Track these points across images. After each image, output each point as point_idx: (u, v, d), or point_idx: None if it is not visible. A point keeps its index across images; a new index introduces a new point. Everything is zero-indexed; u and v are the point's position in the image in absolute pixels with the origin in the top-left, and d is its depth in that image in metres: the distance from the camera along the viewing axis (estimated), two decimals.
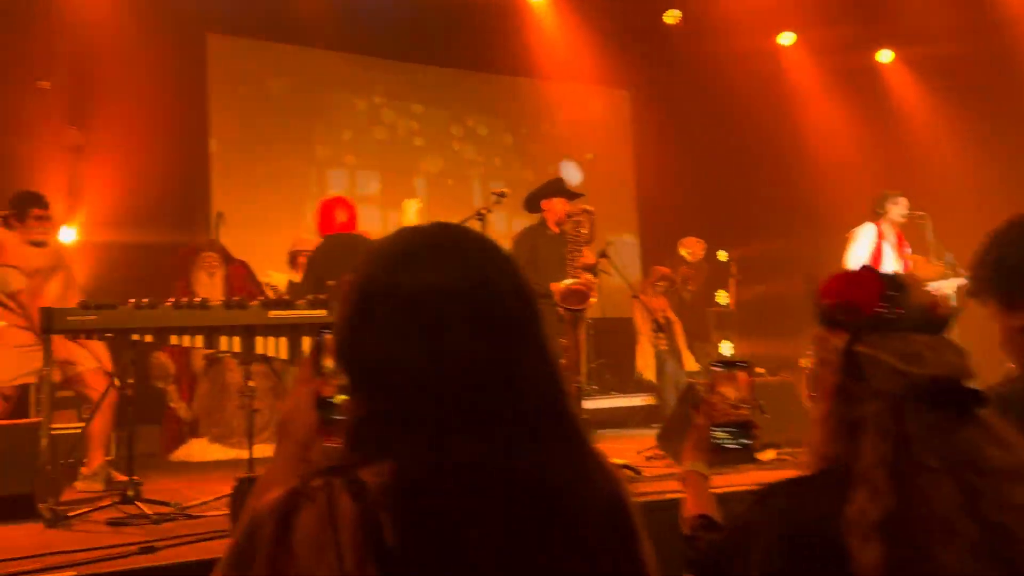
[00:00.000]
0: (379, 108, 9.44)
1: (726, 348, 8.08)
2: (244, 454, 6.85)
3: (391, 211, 9.22)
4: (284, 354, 3.84)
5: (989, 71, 8.35)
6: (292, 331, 3.85)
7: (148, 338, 3.65)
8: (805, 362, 6.07)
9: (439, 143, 9.74)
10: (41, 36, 7.11)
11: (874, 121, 9.70)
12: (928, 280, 5.90)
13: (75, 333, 3.65)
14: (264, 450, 6.92)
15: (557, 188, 5.42)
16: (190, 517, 3.33)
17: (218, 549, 2.63)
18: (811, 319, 1.32)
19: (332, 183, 9.09)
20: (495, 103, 10.05)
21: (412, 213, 5.52)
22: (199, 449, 6.64)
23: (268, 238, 7.63)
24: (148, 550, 2.55)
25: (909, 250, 6.00)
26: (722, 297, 8.26)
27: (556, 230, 5.50)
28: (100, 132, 7.32)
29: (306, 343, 3.86)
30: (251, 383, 3.84)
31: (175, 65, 7.88)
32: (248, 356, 3.77)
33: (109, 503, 3.50)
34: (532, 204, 5.35)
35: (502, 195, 4.35)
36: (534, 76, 10.01)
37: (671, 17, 9.18)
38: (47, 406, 3.42)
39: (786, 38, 9.98)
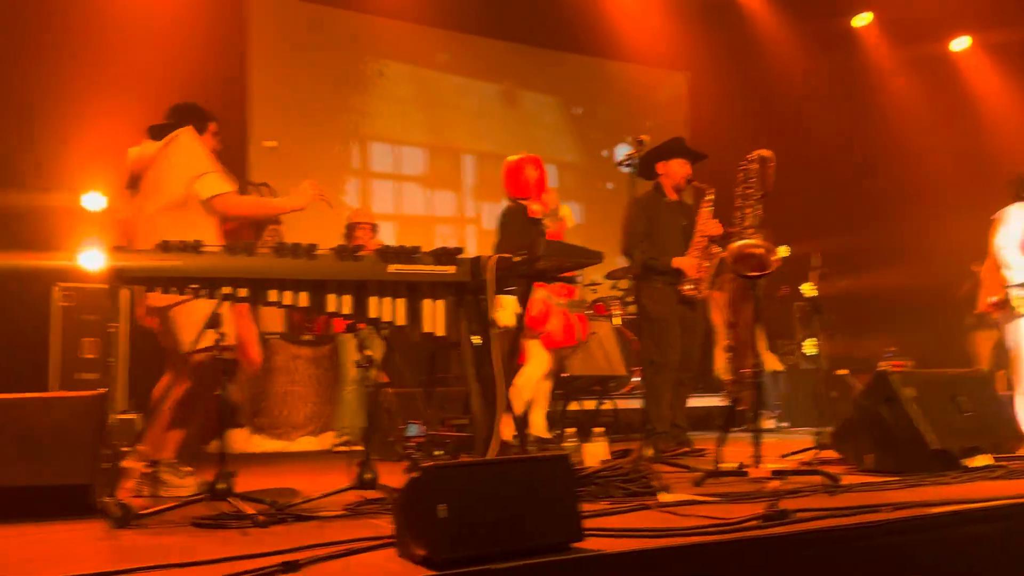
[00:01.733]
0: (428, 81, 8.73)
1: (809, 347, 7.41)
2: (292, 446, 6.21)
3: (435, 191, 8.52)
4: (401, 318, 3.13)
5: None
6: (411, 291, 3.14)
7: (242, 291, 2.92)
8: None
9: (487, 120, 9.03)
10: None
11: (952, 106, 9.09)
12: None
13: (150, 283, 2.91)
14: (308, 443, 6.32)
15: (676, 148, 4.74)
16: (302, 518, 2.59)
17: (375, 565, 1.91)
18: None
19: (376, 159, 8.37)
20: (548, 80, 9.36)
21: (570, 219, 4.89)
22: (240, 440, 5.89)
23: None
24: (291, 567, 1.82)
25: None
26: (808, 288, 7.55)
27: (675, 196, 4.81)
28: (133, 100, 6.61)
29: (427, 307, 3.15)
30: (367, 352, 3.12)
31: (215, 27, 7.18)
32: (359, 319, 3.05)
33: (194, 498, 2.77)
34: (647, 168, 4.66)
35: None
36: (590, 54, 9.35)
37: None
38: (119, 371, 2.67)
39: (861, 19, 9.34)
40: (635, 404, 6.32)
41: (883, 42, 9.28)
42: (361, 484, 2.86)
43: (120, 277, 2.85)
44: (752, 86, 9.41)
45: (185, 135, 3.48)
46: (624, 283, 7.25)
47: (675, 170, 4.70)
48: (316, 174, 7.72)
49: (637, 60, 9.57)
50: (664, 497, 2.68)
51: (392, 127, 8.45)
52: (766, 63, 9.44)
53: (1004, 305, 5.22)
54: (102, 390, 3.04)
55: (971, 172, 8.56)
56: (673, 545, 2.05)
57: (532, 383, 4.55)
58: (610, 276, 7.10)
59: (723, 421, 3.46)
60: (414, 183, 8.51)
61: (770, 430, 6.94)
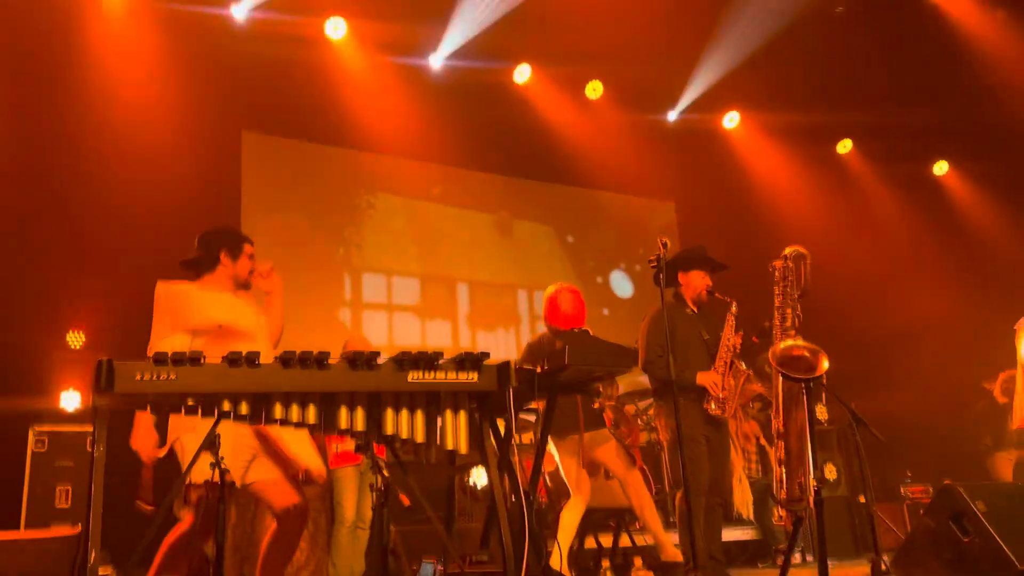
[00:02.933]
0: (421, 212, 8.69)
1: (830, 472, 7.04)
2: None
3: (429, 320, 8.31)
4: (420, 435, 2.80)
5: None
6: (430, 403, 2.83)
7: (244, 408, 2.60)
8: None
9: (482, 249, 8.95)
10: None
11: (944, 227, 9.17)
12: None
13: (143, 403, 2.59)
14: None
15: (696, 258, 4.57)
16: None
17: None
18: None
19: (368, 289, 8.19)
20: (541, 209, 9.38)
21: None
22: None
23: (299, 341, 6.61)
24: None
25: None
26: (820, 412, 7.27)
27: (694, 308, 4.60)
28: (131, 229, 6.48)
29: (448, 420, 2.83)
30: (384, 474, 2.76)
31: (209, 161, 7.15)
32: (376, 437, 2.72)
33: None
34: (668, 276, 4.47)
35: None
36: (581, 185, 9.43)
37: None
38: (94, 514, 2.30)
39: (843, 147, 9.55)
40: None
41: (867, 166, 9.45)
42: None
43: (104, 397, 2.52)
44: (738, 210, 9.47)
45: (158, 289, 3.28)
46: (631, 408, 6.93)
47: (695, 281, 4.51)
48: (308, 304, 7.56)
49: (627, 190, 9.66)
50: None
51: (385, 257, 8.32)
52: (750, 186, 9.55)
53: None
54: (77, 527, 2.65)
55: (970, 289, 8.52)
56: None
57: (580, 515, 4.27)
58: (619, 401, 6.78)
59: (787, 545, 3.08)
60: (408, 312, 8.30)
61: (797, 564, 6.45)
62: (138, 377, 2.51)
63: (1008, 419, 7.15)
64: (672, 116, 9.19)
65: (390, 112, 7.75)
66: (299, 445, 3.29)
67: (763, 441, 6.70)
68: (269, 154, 7.96)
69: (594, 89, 8.60)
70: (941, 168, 9.56)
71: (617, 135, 8.81)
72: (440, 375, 2.77)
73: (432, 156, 8.52)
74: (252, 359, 2.63)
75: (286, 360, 2.65)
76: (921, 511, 4.10)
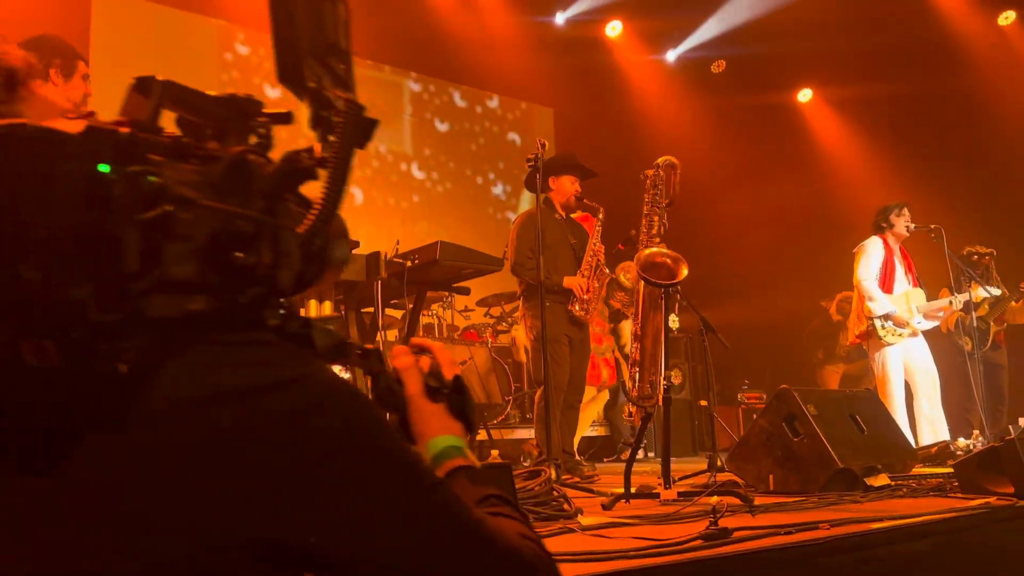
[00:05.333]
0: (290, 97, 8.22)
1: (675, 376, 7.44)
2: None
3: None
4: None
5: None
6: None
7: None
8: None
9: None
10: None
11: (798, 151, 9.63)
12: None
13: None
14: None
15: (568, 163, 4.57)
16: None
17: None
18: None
19: None
20: (415, 104, 9.12)
21: None
22: None
23: None
24: None
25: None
26: (673, 322, 7.59)
27: (563, 214, 4.64)
28: None
29: (313, 308, 2.75)
30: None
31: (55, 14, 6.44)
32: None
33: None
34: (538, 182, 4.46)
35: None
36: (457, 81, 9.21)
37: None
38: None
39: (716, 67, 9.74)
40: (511, 434, 6.06)
41: (738, 88, 9.71)
42: None
43: None
44: (615, 121, 9.55)
45: None
46: (496, 310, 7.03)
47: (566, 186, 4.53)
48: None
49: (507, 93, 9.54)
50: (586, 520, 2.41)
51: None
52: (628, 98, 9.64)
53: (870, 336, 5.41)
54: None
55: (816, 211, 9.04)
56: (623, 568, 1.78)
57: None
58: (482, 303, 6.85)
59: (634, 440, 3.24)
60: None
61: (640, 460, 6.87)
62: None
63: (841, 336, 7.76)
64: (561, 19, 9.03)
65: None
66: None
67: (618, 354, 6.96)
68: (122, 14, 7.27)
69: None
70: (805, 95, 9.96)
71: (502, 35, 8.60)
72: None
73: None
74: None
75: None
76: (755, 415, 4.41)
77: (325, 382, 0.70)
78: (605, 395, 6.37)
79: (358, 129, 0.73)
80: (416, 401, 0.94)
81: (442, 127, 9.29)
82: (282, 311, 0.75)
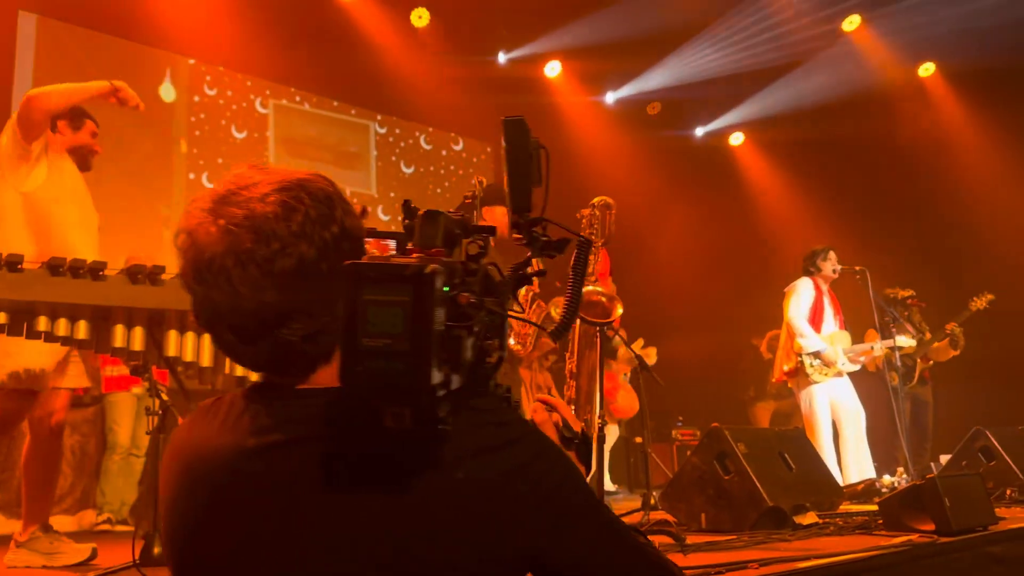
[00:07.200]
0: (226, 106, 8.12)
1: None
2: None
3: None
4: (207, 359, 2.62)
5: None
6: None
7: (1, 318, 2.31)
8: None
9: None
10: None
11: (731, 193, 9.86)
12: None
13: None
14: (62, 523, 5.29)
15: (499, 194, 4.58)
16: None
17: None
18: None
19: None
20: (354, 135, 9.08)
21: None
22: None
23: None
24: None
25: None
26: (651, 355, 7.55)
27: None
28: None
29: None
30: (164, 397, 2.55)
31: None
32: (156, 359, 2.51)
33: None
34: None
35: None
36: (395, 115, 9.21)
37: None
38: None
39: (652, 109, 9.96)
40: None
41: (672, 130, 9.94)
42: (150, 561, 2.30)
43: None
44: (554, 159, 9.64)
45: None
46: None
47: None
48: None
49: (444, 127, 9.56)
50: None
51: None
52: (567, 136, 9.77)
53: (798, 373, 5.53)
54: None
55: (747, 250, 9.26)
56: None
57: None
58: None
59: None
60: None
61: None
62: None
63: (770, 373, 7.91)
64: (503, 58, 9.13)
65: (199, 14, 7.12)
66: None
67: (555, 392, 6.93)
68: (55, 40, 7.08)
69: (420, 16, 8.33)
70: (737, 138, 10.25)
71: (439, 70, 8.63)
72: None
73: (243, 67, 7.96)
74: (13, 263, 2.33)
75: (54, 267, 2.38)
76: (688, 452, 4.44)
77: (538, 436, 1.02)
78: None
79: (584, 253, 1.12)
80: None
81: (407, 170, 9.28)
82: (495, 381, 1.04)
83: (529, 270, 1.07)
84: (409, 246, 1.00)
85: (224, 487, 0.94)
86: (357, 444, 0.92)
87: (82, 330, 2.42)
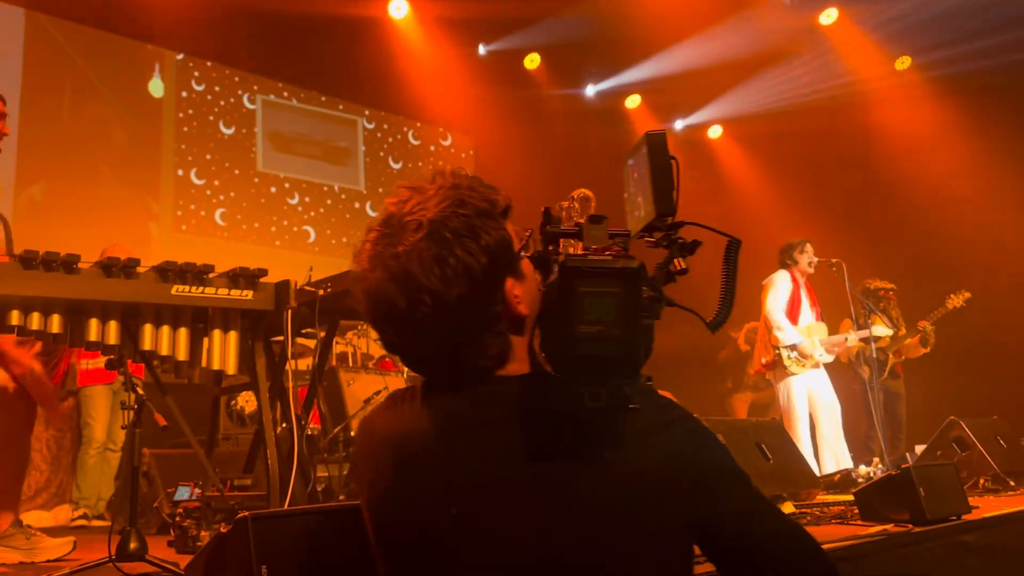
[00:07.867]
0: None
1: None
2: None
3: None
4: (183, 352, 2.60)
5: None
6: (197, 319, 2.63)
7: None
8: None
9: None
10: None
11: (711, 184, 9.91)
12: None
13: None
14: (38, 518, 5.24)
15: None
16: None
17: None
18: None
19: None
20: (337, 128, 9.01)
21: None
22: None
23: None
24: None
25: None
26: None
27: None
28: None
29: (216, 339, 2.64)
30: (140, 391, 2.52)
31: None
32: (131, 353, 2.48)
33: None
34: None
35: None
36: (377, 107, 9.15)
37: None
38: None
39: (631, 101, 9.99)
40: None
41: (652, 119, 9.95)
42: (125, 556, 2.28)
43: None
44: (533, 151, 9.64)
45: None
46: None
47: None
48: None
49: (426, 119, 9.52)
50: None
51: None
52: (548, 129, 9.76)
53: (776, 365, 5.58)
54: None
55: (724, 243, 9.29)
56: None
57: None
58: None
59: None
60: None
61: None
62: None
63: (748, 365, 7.97)
64: (483, 50, 9.10)
65: (187, 9, 7.03)
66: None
67: None
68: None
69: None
70: (715, 131, 10.30)
71: (421, 59, 8.58)
72: (210, 290, 2.58)
73: (231, 62, 7.90)
74: None
75: (28, 260, 2.34)
76: None
77: (691, 417, 1.10)
78: None
79: (734, 252, 1.23)
80: None
81: (396, 165, 9.23)
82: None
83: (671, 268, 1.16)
84: (586, 246, 1.08)
85: (437, 469, 1.04)
86: (554, 422, 1.02)
87: (55, 324, 2.39)
